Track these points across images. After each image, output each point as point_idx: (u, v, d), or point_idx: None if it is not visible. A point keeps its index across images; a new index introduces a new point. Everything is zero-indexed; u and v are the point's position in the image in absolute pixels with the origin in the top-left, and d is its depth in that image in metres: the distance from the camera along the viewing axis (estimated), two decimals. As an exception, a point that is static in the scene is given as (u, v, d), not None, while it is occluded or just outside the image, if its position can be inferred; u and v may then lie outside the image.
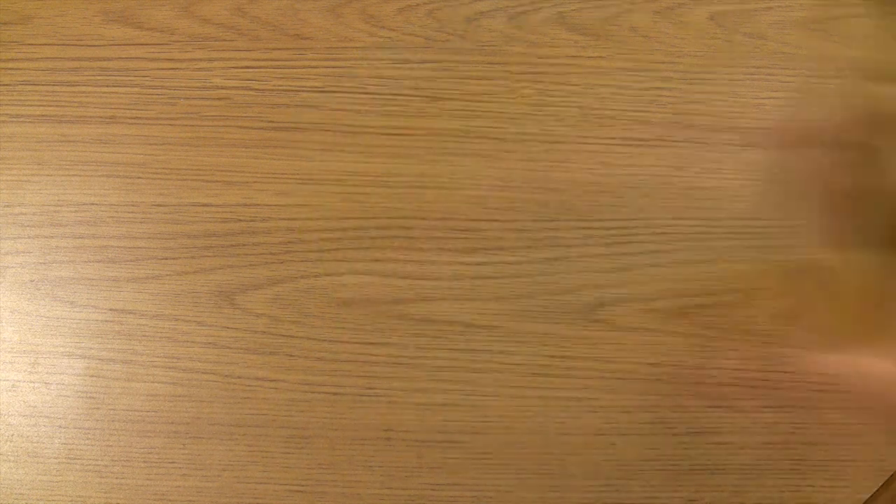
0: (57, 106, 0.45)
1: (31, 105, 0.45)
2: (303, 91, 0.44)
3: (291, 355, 0.41)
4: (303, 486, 0.39)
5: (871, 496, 0.39)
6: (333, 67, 0.44)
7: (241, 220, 0.43)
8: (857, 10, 0.48)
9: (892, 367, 0.32)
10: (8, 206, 0.43)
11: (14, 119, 0.45)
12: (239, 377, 0.40)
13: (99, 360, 0.41)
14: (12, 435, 0.40)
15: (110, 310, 0.41)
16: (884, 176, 0.44)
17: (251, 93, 0.44)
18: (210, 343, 0.41)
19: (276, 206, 0.43)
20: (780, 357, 0.42)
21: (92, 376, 0.40)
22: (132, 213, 0.43)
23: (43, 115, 0.45)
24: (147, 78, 0.46)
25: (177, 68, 0.46)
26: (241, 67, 0.45)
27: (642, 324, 0.42)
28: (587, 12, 0.47)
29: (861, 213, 0.43)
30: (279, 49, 0.46)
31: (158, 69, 0.46)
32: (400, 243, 0.42)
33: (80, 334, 0.41)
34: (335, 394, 0.40)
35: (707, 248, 0.43)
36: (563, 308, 0.42)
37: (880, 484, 0.40)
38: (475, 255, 0.42)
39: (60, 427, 0.40)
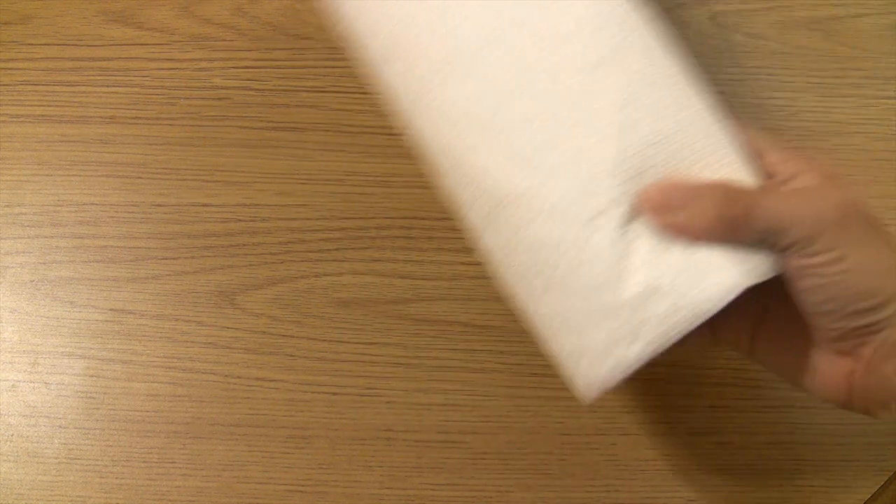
0: (57, 106, 0.45)
1: (31, 105, 0.45)
2: (303, 91, 0.44)
3: (291, 355, 0.41)
4: (303, 486, 0.39)
5: (871, 496, 0.39)
6: (333, 67, 0.44)
7: (241, 220, 0.43)
8: (857, 10, 0.48)
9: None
10: (8, 206, 0.43)
11: (14, 119, 0.45)
12: (239, 377, 0.40)
13: (99, 360, 0.41)
14: (12, 435, 0.40)
15: (110, 310, 0.41)
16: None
17: (251, 93, 0.44)
18: (210, 343, 0.41)
19: (276, 206, 0.43)
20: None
21: (92, 376, 0.40)
22: (132, 213, 0.43)
23: (43, 115, 0.45)
24: (147, 78, 0.46)
25: (177, 68, 0.46)
26: (241, 67, 0.45)
27: (642, 324, 0.42)
28: (587, 12, 0.47)
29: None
30: (279, 49, 0.46)
31: (158, 69, 0.46)
32: (400, 243, 0.42)
33: (80, 334, 0.41)
34: (335, 394, 0.40)
35: (707, 248, 0.43)
36: (563, 308, 0.42)
37: (880, 484, 0.40)
38: (475, 255, 0.42)
39: (60, 427, 0.40)
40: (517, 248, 0.30)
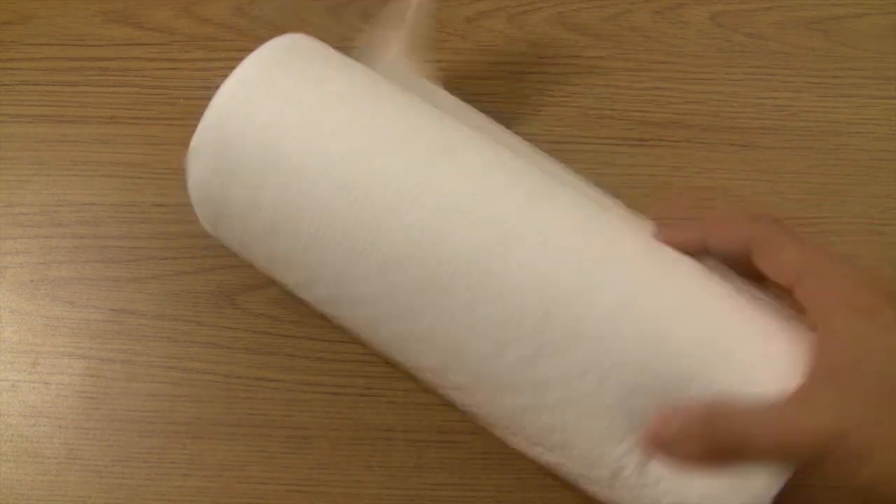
0: (57, 106, 0.45)
1: (31, 105, 0.45)
2: (303, 91, 0.44)
3: (291, 355, 0.41)
4: (303, 486, 0.39)
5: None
6: (333, 67, 0.44)
7: (241, 220, 0.43)
8: (857, 10, 0.48)
9: None
10: (8, 206, 0.43)
11: (14, 119, 0.45)
12: (239, 377, 0.40)
13: (99, 360, 0.41)
14: (12, 435, 0.40)
15: (110, 310, 0.41)
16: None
17: (251, 93, 0.44)
18: (210, 343, 0.41)
19: (276, 206, 0.43)
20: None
21: (92, 376, 0.40)
22: (132, 213, 0.43)
23: (43, 115, 0.45)
24: (147, 78, 0.46)
25: (177, 68, 0.46)
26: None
27: (642, 324, 0.42)
28: (587, 12, 0.47)
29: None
30: (279, 49, 0.46)
31: (158, 69, 0.46)
32: (400, 243, 0.42)
33: (80, 334, 0.41)
34: (335, 394, 0.40)
35: (707, 248, 0.43)
36: (563, 308, 0.42)
37: (880, 484, 0.40)
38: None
39: (60, 427, 0.40)
40: None
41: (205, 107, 0.44)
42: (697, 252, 0.31)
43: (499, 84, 0.46)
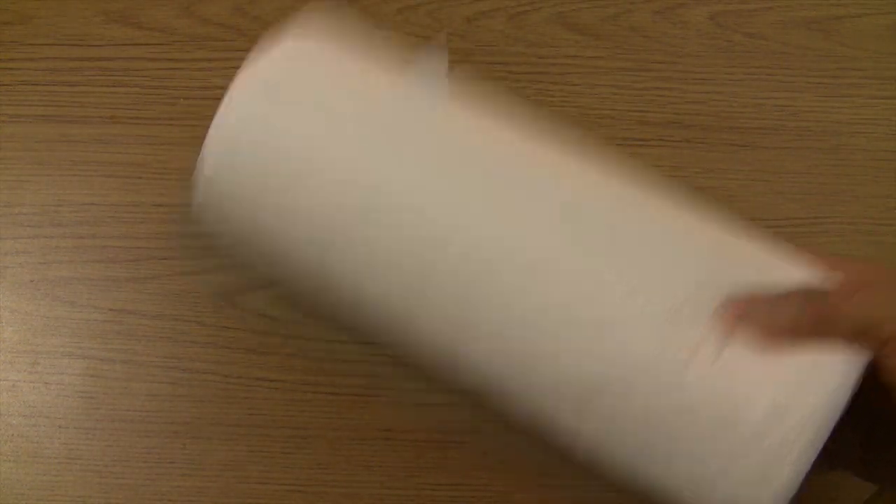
0: (57, 106, 0.45)
1: (31, 105, 0.45)
2: (303, 91, 0.44)
3: (291, 355, 0.41)
4: (303, 486, 0.39)
5: (871, 496, 0.39)
6: (333, 67, 0.44)
7: (241, 220, 0.43)
8: (857, 10, 0.48)
9: None
10: (8, 206, 0.43)
11: (14, 119, 0.45)
12: (239, 377, 0.40)
13: (99, 360, 0.41)
14: (12, 435, 0.40)
15: (110, 310, 0.41)
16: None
17: (251, 93, 0.44)
18: (210, 343, 0.41)
19: (276, 206, 0.43)
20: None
21: (92, 376, 0.40)
22: (132, 213, 0.43)
23: (43, 115, 0.45)
24: (147, 78, 0.46)
25: (177, 68, 0.46)
26: (241, 67, 0.45)
27: (642, 324, 0.42)
28: (587, 12, 0.47)
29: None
30: (279, 49, 0.46)
31: (158, 69, 0.46)
32: (400, 243, 0.42)
33: (80, 334, 0.41)
34: (335, 394, 0.40)
35: (707, 248, 0.43)
36: (563, 308, 0.42)
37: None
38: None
39: (60, 427, 0.40)
40: (622, 429, 0.29)
41: (204, 106, 0.44)
42: None
43: (499, 84, 0.46)
